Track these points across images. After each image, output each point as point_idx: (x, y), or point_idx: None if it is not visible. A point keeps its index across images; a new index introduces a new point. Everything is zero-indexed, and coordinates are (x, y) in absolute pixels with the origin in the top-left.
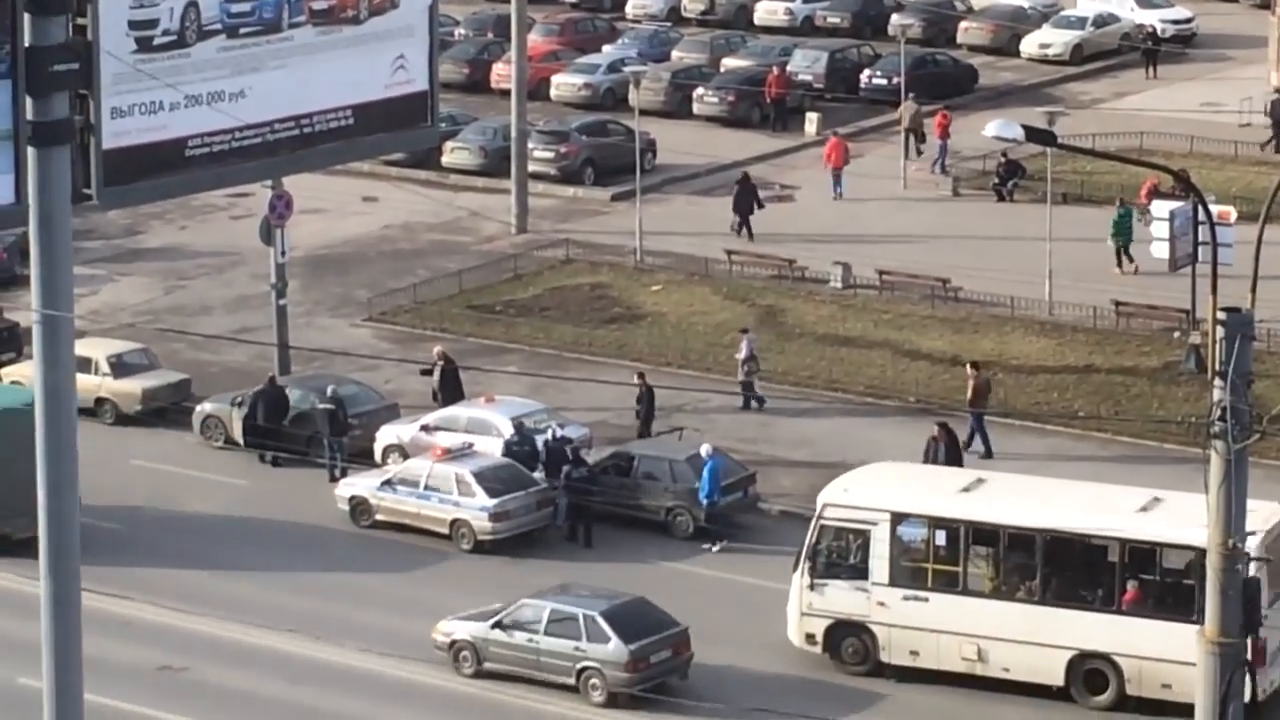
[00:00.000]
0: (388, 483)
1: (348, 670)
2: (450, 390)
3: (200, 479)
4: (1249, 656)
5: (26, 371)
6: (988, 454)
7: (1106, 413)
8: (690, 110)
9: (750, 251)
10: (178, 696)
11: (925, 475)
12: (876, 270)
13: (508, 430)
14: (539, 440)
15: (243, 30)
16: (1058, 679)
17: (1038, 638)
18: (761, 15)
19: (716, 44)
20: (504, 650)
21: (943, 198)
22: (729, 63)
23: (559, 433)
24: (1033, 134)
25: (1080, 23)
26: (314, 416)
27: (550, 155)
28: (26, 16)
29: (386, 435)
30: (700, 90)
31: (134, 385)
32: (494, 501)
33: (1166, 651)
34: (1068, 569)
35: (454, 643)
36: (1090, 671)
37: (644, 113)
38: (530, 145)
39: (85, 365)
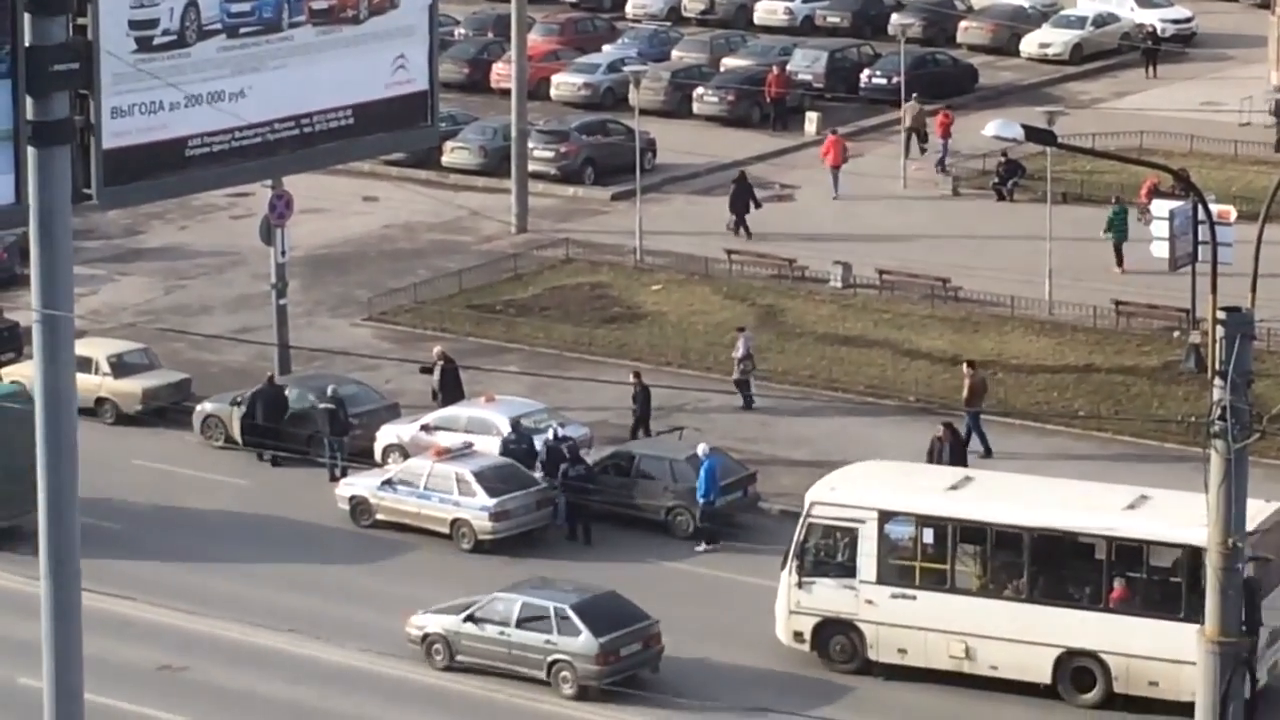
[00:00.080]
0: (388, 482)
1: (348, 670)
2: (450, 390)
3: (200, 479)
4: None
5: (27, 371)
6: (987, 453)
7: (1106, 412)
8: (690, 110)
9: (750, 251)
10: (178, 696)
11: (913, 473)
12: (876, 270)
13: (508, 430)
14: (538, 440)
15: (243, 30)
16: (1045, 677)
17: (1025, 635)
18: (761, 15)
19: (716, 43)
20: (476, 644)
21: (943, 197)
22: (729, 62)
23: (560, 432)
24: (1032, 133)
25: (1080, 22)
26: (314, 416)
27: (550, 155)
28: (27, 16)
29: (387, 435)
30: (700, 90)
31: (134, 385)
32: (494, 501)
33: (1154, 649)
34: (1055, 567)
35: (426, 636)
36: (1078, 669)
37: (644, 112)
38: (530, 145)
39: (86, 365)
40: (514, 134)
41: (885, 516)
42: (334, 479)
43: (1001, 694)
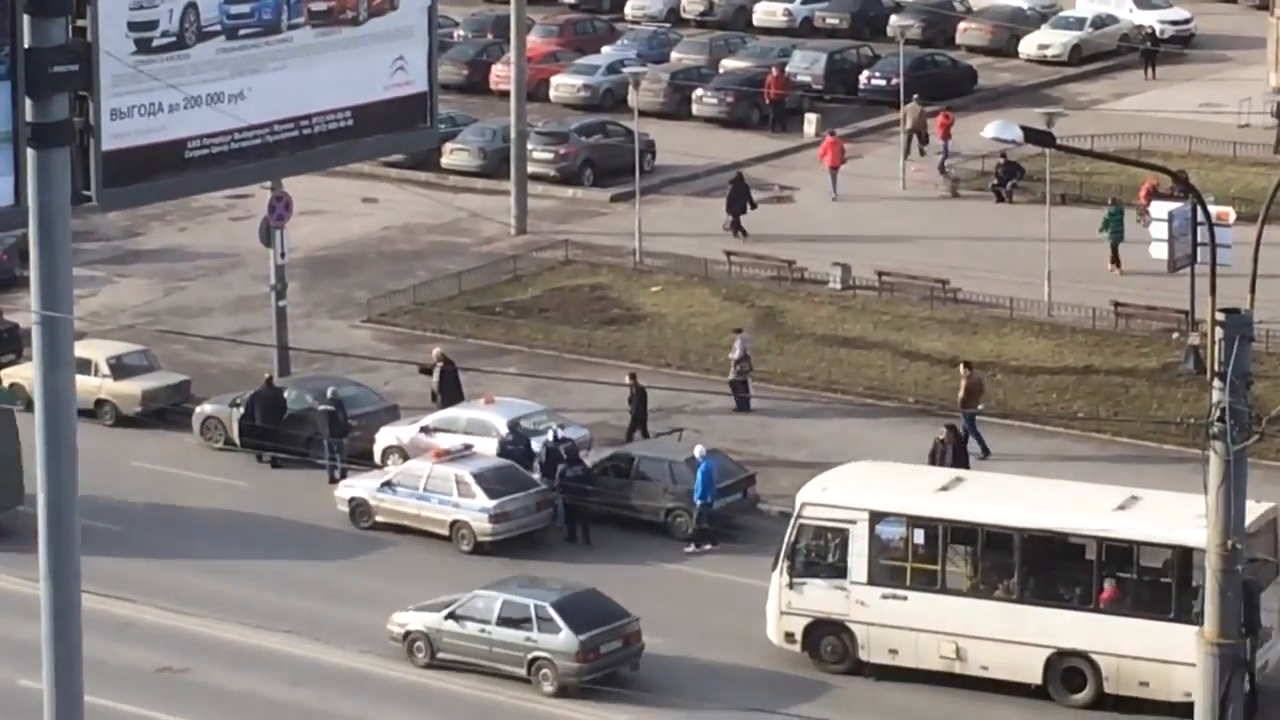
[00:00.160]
0: (387, 484)
1: (348, 671)
2: (450, 391)
3: (200, 480)
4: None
5: (26, 373)
6: (985, 454)
7: (1106, 414)
8: (689, 111)
9: (749, 252)
10: (178, 698)
11: (904, 474)
12: (876, 271)
13: (505, 432)
14: (537, 441)
15: (242, 31)
16: (1036, 677)
17: (1016, 636)
18: (760, 16)
19: (715, 45)
20: (457, 641)
21: (942, 199)
22: (728, 64)
23: (559, 434)
24: (1031, 135)
25: (1079, 23)
26: (313, 418)
27: (549, 156)
28: (26, 18)
29: (386, 437)
30: (699, 91)
31: (134, 387)
32: (494, 503)
33: (1144, 649)
34: (1046, 567)
35: (408, 633)
36: (1068, 669)
37: (643, 114)
38: (529, 146)
39: (85, 367)
40: (513, 135)
41: (876, 517)
42: (333, 481)
43: (992, 694)
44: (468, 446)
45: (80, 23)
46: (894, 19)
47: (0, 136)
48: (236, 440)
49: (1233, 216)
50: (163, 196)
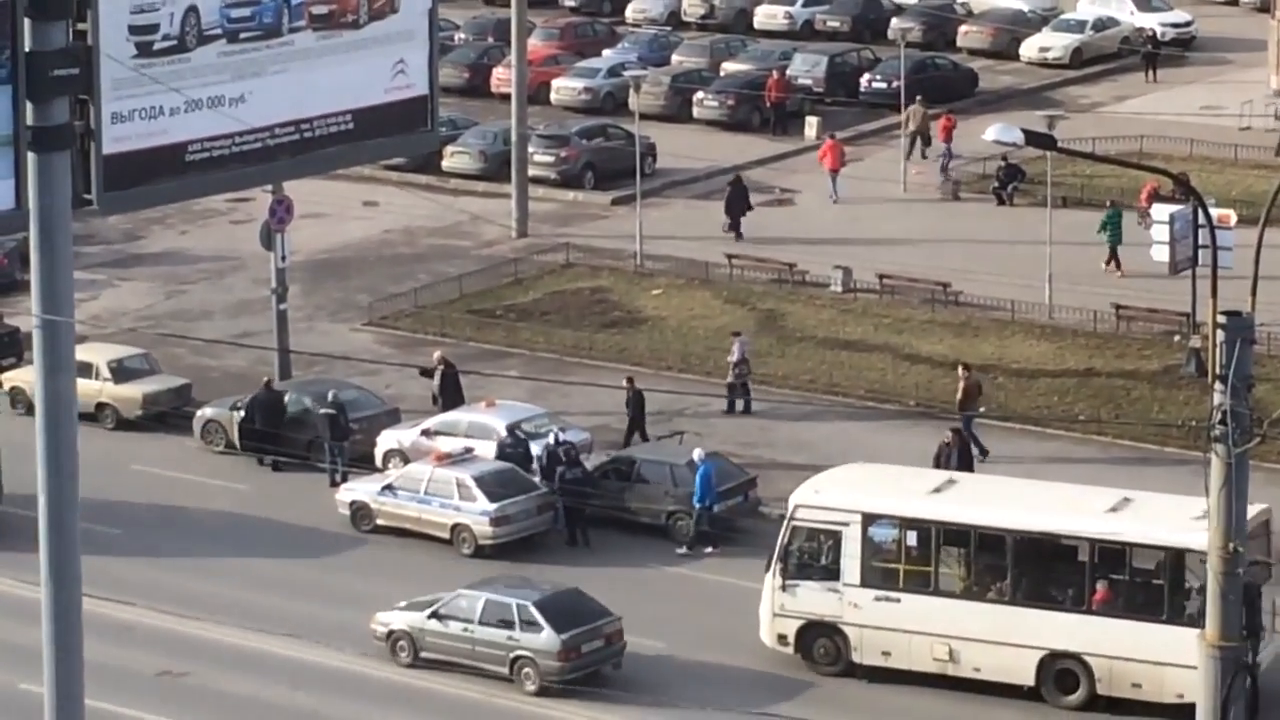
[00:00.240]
0: (388, 487)
1: (349, 675)
2: (450, 395)
3: (201, 484)
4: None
5: (27, 377)
6: (983, 455)
7: (1107, 416)
8: (690, 114)
9: (750, 255)
10: (178, 701)
11: (896, 476)
12: (877, 274)
13: (521, 435)
14: (538, 444)
15: (243, 35)
16: (1029, 679)
17: (1009, 638)
18: (761, 19)
19: (716, 48)
20: (440, 640)
21: (943, 201)
22: (729, 67)
23: (560, 437)
24: (1032, 138)
25: (1080, 26)
26: (313, 420)
27: (550, 159)
28: (27, 21)
29: (387, 440)
30: (700, 94)
31: (135, 390)
32: (494, 506)
33: (1136, 651)
34: (1038, 569)
35: (391, 633)
36: (1061, 671)
37: (644, 117)
38: (530, 149)
39: (86, 370)
40: (514, 138)
41: (869, 519)
42: (334, 484)
43: (985, 696)
44: (469, 450)
45: (81, 26)
46: (895, 22)
47: (1, 140)
48: (237, 444)
49: (1234, 219)
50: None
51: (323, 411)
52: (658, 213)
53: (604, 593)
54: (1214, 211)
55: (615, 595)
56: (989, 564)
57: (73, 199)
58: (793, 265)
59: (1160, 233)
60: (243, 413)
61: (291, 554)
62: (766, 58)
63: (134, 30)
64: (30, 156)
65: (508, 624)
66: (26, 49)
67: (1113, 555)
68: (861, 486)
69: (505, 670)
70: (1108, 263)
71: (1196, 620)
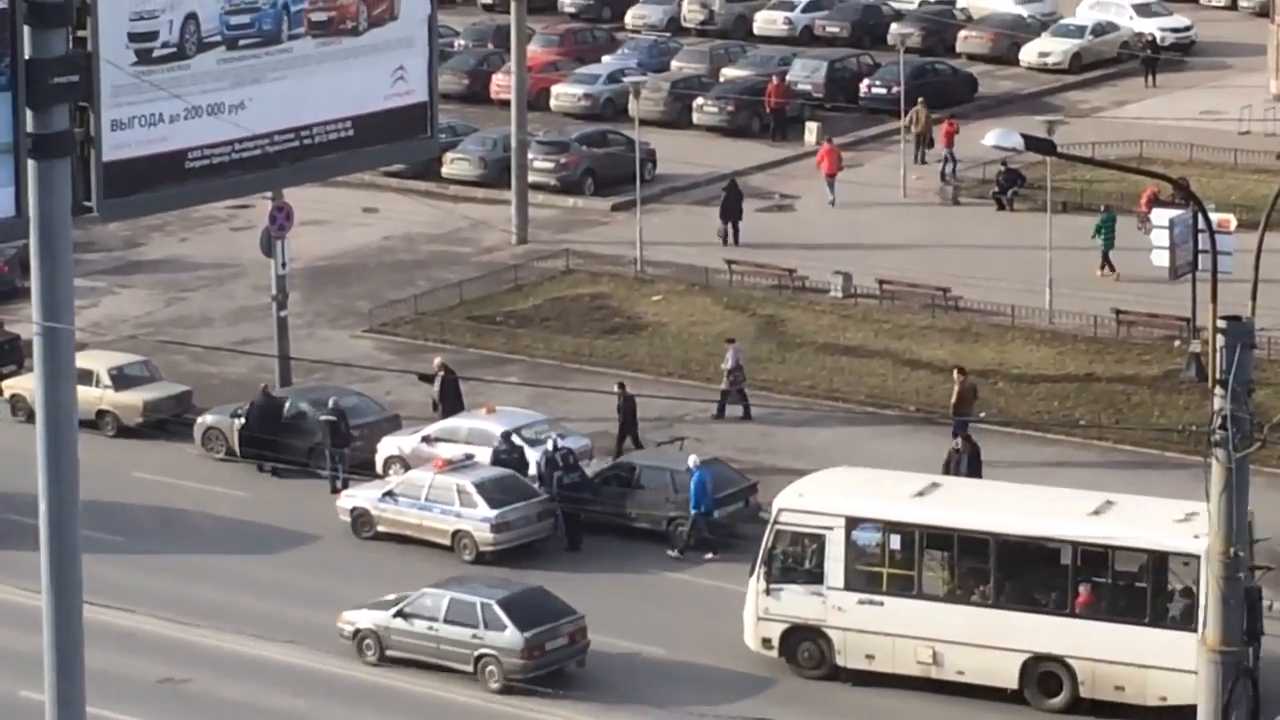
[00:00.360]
0: (389, 494)
1: (350, 680)
2: (450, 401)
3: (201, 491)
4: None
5: (28, 384)
6: None
7: (1107, 421)
8: (690, 120)
9: (750, 261)
10: (179, 708)
11: (880, 480)
12: (877, 279)
13: (520, 443)
14: (536, 451)
15: (242, 42)
16: (1012, 682)
17: (992, 641)
18: (760, 25)
19: (716, 54)
20: (405, 638)
21: (943, 206)
22: (728, 72)
23: (558, 443)
24: (1032, 143)
25: (1079, 31)
26: (314, 427)
27: (550, 166)
28: (26, 29)
29: (388, 446)
30: (700, 100)
31: (135, 397)
32: (495, 512)
33: (1119, 654)
34: (1021, 572)
35: (357, 631)
36: (1044, 674)
37: (644, 123)
38: (530, 156)
39: (86, 377)
40: (514, 145)
41: (852, 523)
42: (335, 491)
43: (969, 699)
44: (469, 456)
45: (81, 33)
46: (894, 27)
47: (1, 147)
48: (237, 451)
49: (1234, 224)
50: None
51: (323, 418)
52: (658, 218)
53: (604, 598)
54: (1214, 216)
55: (615, 600)
56: (972, 567)
57: (73, 206)
58: (793, 271)
59: (1160, 238)
60: (243, 420)
61: (292, 561)
62: (766, 63)
63: (134, 37)
64: (30, 164)
65: (472, 622)
66: (26, 56)
67: (1095, 558)
68: (845, 490)
69: (469, 668)
70: (1101, 268)
71: (1179, 623)
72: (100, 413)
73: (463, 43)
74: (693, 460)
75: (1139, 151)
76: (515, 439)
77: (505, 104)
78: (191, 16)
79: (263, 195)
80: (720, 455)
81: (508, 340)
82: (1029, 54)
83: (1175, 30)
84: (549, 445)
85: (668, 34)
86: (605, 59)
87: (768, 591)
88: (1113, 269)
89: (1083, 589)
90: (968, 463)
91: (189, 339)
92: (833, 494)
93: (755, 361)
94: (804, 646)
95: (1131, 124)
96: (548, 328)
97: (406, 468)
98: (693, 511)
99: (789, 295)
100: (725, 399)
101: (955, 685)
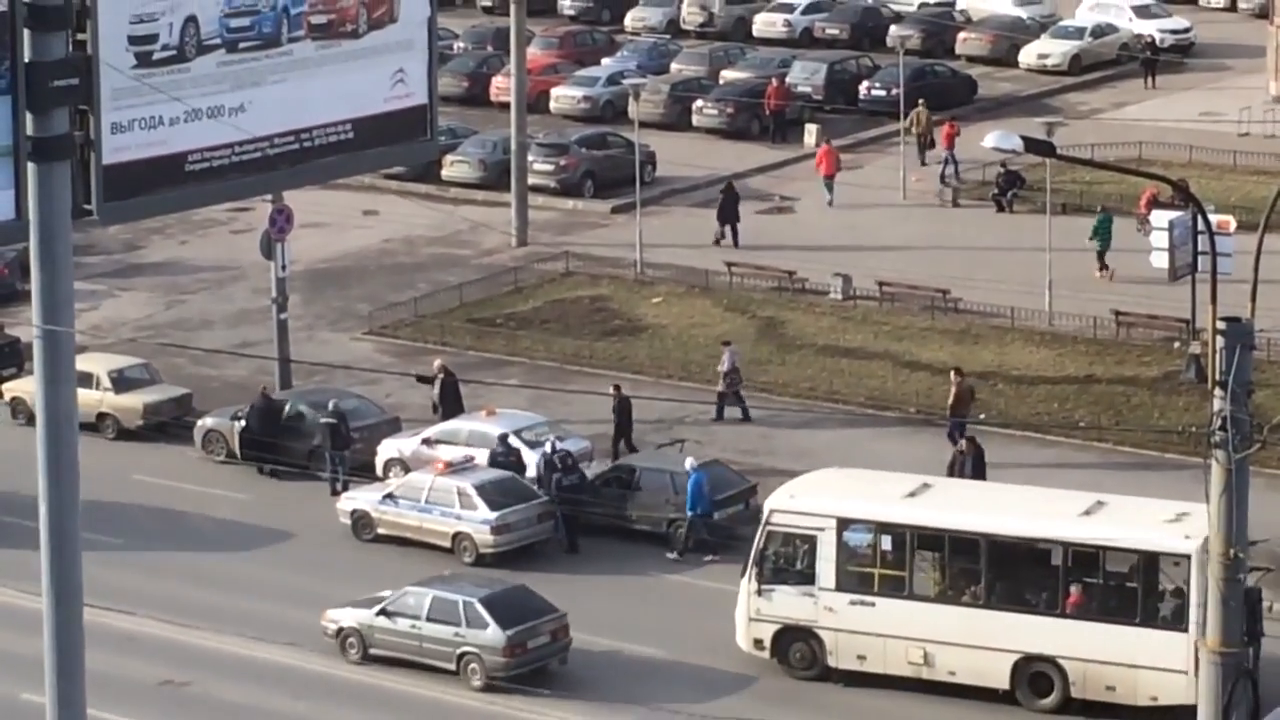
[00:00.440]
0: (389, 496)
1: (351, 684)
2: (450, 403)
3: (202, 493)
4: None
5: (27, 387)
6: None
7: (1107, 423)
8: (690, 122)
9: (750, 263)
10: (180, 711)
11: (872, 481)
12: (876, 281)
13: (517, 445)
14: (535, 453)
15: (242, 45)
16: (1003, 682)
17: (983, 641)
18: (760, 27)
19: (715, 56)
20: (388, 636)
21: (942, 208)
22: (728, 75)
23: (558, 446)
24: (1032, 145)
25: (1078, 33)
26: (313, 430)
27: (550, 168)
28: (26, 32)
29: (388, 449)
30: (699, 102)
31: (135, 400)
32: (495, 515)
33: (1110, 654)
34: (1012, 573)
35: (341, 630)
36: (1035, 674)
37: (643, 125)
38: (530, 158)
39: (86, 380)
40: (514, 147)
41: (844, 524)
42: (335, 493)
43: (960, 699)
44: (469, 458)
45: (80, 36)
46: (894, 29)
47: (1, 150)
48: (238, 453)
49: (1233, 225)
50: (163, 210)
51: (323, 421)
52: (657, 221)
53: (605, 600)
54: (1213, 218)
55: (612, 602)
56: (963, 568)
57: (73, 209)
58: (792, 273)
59: (1160, 239)
60: (243, 422)
61: (293, 563)
62: (766, 65)
63: (133, 40)
64: (30, 167)
65: (454, 621)
66: (26, 59)
67: (1086, 558)
68: (836, 491)
69: (452, 666)
70: (1100, 270)
71: (1170, 623)
72: (100, 415)
73: (462, 45)
74: (689, 462)
75: (1138, 153)
76: (512, 441)
77: (505, 106)
78: (191, 19)
79: (263, 198)
80: (720, 457)
81: (508, 342)
82: (1028, 56)
83: (1174, 32)
84: (547, 447)
85: (667, 36)
86: (605, 61)
87: (759, 592)
88: (1106, 268)
89: (1074, 589)
90: (972, 465)
91: (189, 342)
92: (824, 495)
93: (755, 363)
94: (796, 647)
95: (1131, 126)
96: (548, 330)
97: (407, 470)
98: (689, 513)
99: (789, 297)
100: (723, 401)
101: (946, 686)
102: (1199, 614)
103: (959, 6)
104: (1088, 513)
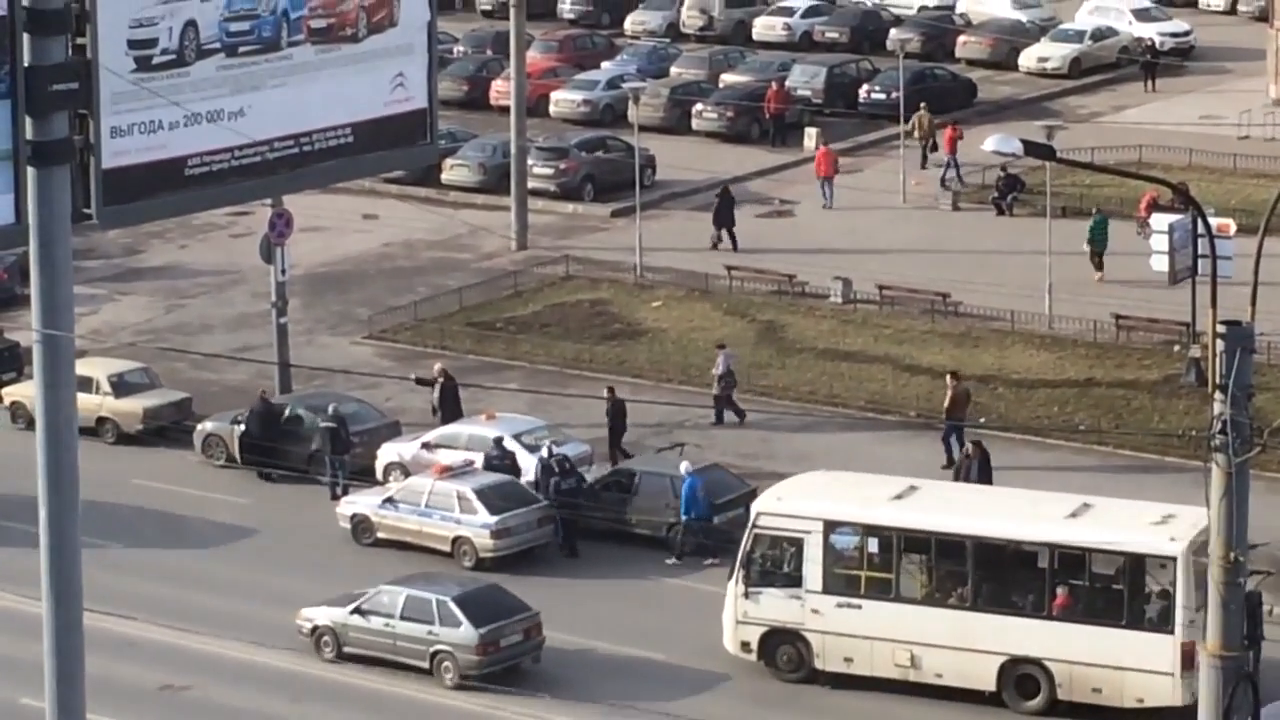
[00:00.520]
0: (389, 500)
1: (351, 688)
2: (449, 407)
3: (202, 498)
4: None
5: (27, 391)
6: (950, 464)
7: (1107, 426)
8: (689, 126)
9: (750, 267)
10: (180, 715)
11: (859, 484)
12: (876, 285)
13: (509, 447)
14: (532, 456)
15: (241, 49)
16: (990, 684)
17: (969, 643)
18: (760, 30)
19: (715, 59)
20: (362, 635)
21: (942, 212)
22: (728, 78)
23: (554, 449)
24: (1032, 148)
25: (1078, 36)
26: (314, 433)
27: (550, 172)
28: (26, 36)
29: (388, 453)
30: (699, 106)
31: (135, 404)
32: (495, 519)
33: (1097, 656)
34: (998, 575)
35: (315, 628)
36: (1022, 676)
37: (643, 129)
38: (530, 162)
39: (86, 384)
40: (513, 151)
41: (830, 526)
42: (335, 497)
43: (946, 701)
44: (469, 462)
45: (80, 40)
46: (894, 32)
47: (0, 154)
48: (238, 457)
49: (1233, 228)
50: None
51: (323, 425)
52: (657, 224)
53: (603, 603)
54: (1213, 221)
55: (611, 605)
56: (950, 570)
57: (72, 213)
58: (792, 276)
59: (1160, 242)
60: (243, 426)
61: (292, 567)
62: (765, 69)
63: (133, 45)
64: (30, 171)
65: (427, 619)
66: (26, 63)
67: (1073, 560)
68: (824, 494)
69: (425, 664)
70: (1099, 271)
71: (1156, 625)
72: (100, 420)
73: (462, 49)
74: (684, 466)
75: (1138, 156)
76: (507, 444)
77: (505, 110)
78: (191, 24)
79: (262, 202)
80: (720, 461)
81: (507, 346)
82: (1028, 59)
83: (1174, 35)
84: (544, 452)
85: (667, 40)
86: (604, 65)
87: (746, 595)
88: (1097, 269)
89: (1060, 591)
90: (978, 468)
91: (189, 346)
92: (811, 497)
93: (755, 367)
94: (783, 650)
95: (1131, 129)
96: (547, 334)
97: (406, 474)
98: (683, 517)
99: (789, 301)
100: (720, 405)
101: (933, 688)
102: (1185, 616)
103: (959, 10)
104: (1074, 515)
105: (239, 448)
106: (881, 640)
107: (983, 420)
